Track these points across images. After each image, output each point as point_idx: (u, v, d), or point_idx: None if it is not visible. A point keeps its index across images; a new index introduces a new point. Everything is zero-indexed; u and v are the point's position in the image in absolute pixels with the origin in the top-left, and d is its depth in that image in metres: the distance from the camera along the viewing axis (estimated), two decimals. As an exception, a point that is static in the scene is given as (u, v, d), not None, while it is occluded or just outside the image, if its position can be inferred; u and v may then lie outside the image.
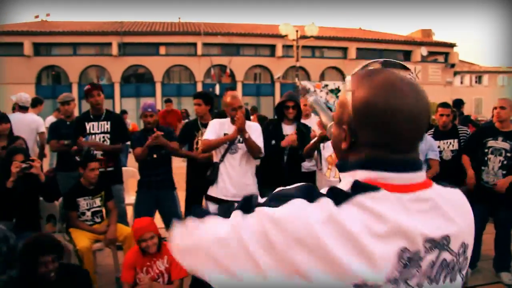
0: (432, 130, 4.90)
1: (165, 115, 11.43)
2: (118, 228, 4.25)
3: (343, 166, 0.94)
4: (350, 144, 0.92)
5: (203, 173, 4.43)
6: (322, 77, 28.33)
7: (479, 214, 3.53)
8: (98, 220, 4.29)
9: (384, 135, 0.86)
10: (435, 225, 0.86)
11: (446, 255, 0.88)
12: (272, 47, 28.24)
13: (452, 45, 31.47)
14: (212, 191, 4.10)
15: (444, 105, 4.87)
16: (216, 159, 4.10)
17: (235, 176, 4.02)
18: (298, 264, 0.77)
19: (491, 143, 4.29)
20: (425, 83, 26.77)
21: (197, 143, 4.78)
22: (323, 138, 3.76)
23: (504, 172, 4.21)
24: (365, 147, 0.89)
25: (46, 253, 2.74)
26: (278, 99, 25.86)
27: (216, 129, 4.04)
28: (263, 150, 4.04)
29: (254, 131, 4.03)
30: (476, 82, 36.40)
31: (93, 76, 26.75)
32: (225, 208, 0.94)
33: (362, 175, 0.87)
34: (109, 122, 4.72)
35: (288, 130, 4.39)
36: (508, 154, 4.20)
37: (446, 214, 0.89)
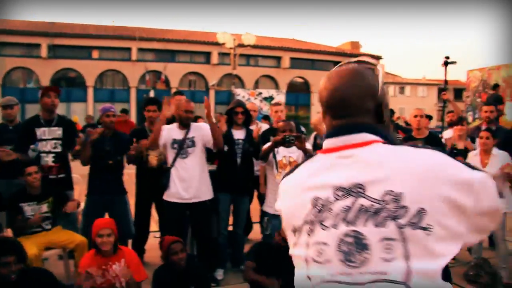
0: None
1: (118, 125, 11.09)
2: (70, 235, 4.19)
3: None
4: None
5: (153, 178, 4.49)
6: (256, 85, 28.81)
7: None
8: (48, 227, 4.18)
9: (324, 105, 1.21)
10: (350, 175, 1.05)
11: (363, 201, 1.01)
12: (207, 54, 28.36)
13: (378, 57, 33.24)
14: (166, 196, 4.21)
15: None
16: (168, 164, 4.21)
17: (188, 180, 4.15)
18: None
19: None
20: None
21: (146, 149, 4.80)
22: (277, 143, 3.99)
23: None
24: (324, 117, 1.23)
25: (7, 253, 2.74)
26: (213, 106, 26.07)
27: (164, 134, 4.18)
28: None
29: (206, 129, 4.25)
30: (399, 92, 38.72)
31: (19, 78, 25.39)
32: None
33: (324, 145, 1.20)
34: (61, 128, 4.53)
35: (238, 135, 4.59)
36: None
37: (368, 166, 1.04)
